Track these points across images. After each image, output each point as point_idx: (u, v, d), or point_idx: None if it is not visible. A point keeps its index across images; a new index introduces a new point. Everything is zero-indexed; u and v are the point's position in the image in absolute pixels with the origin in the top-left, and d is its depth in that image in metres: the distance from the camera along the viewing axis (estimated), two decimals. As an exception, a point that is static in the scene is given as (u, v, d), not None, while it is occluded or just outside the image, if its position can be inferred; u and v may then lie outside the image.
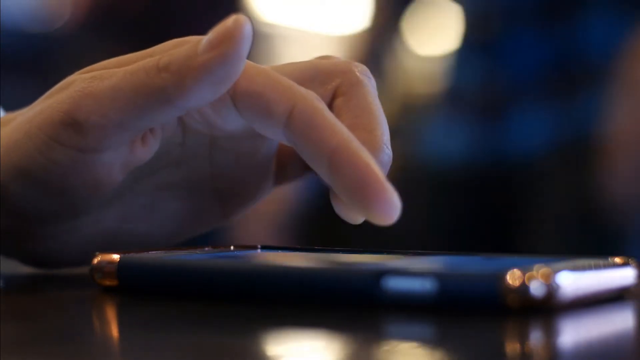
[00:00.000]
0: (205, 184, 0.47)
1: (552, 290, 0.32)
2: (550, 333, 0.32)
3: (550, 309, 0.33)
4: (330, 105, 0.42)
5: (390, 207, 0.36)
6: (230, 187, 0.47)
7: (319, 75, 0.43)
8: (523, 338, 0.31)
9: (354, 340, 0.31)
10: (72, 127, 0.41)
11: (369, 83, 0.43)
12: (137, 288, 0.39)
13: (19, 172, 0.42)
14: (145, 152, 0.42)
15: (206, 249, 0.43)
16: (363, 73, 0.43)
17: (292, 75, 0.42)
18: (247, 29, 0.39)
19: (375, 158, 0.39)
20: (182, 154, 0.45)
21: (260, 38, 2.23)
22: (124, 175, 0.43)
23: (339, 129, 0.38)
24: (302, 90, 0.40)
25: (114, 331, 0.34)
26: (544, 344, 0.30)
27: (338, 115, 0.41)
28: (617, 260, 0.37)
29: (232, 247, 0.45)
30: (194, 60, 0.39)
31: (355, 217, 0.40)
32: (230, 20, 0.39)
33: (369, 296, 0.34)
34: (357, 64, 0.43)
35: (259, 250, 0.44)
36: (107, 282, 0.40)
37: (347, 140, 0.38)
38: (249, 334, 0.31)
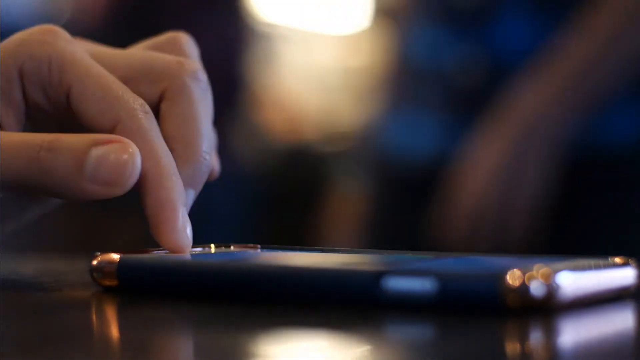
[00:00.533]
0: None
1: (552, 290, 0.32)
2: (550, 333, 0.32)
3: (550, 309, 0.33)
4: (156, 107, 0.44)
5: (177, 251, 0.41)
6: None
7: (150, 74, 0.44)
8: (523, 338, 0.31)
9: (354, 340, 0.31)
10: None
11: (197, 88, 0.44)
12: (137, 288, 0.39)
13: None
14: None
15: (206, 249, 0.43)
16: (192, 76, 0.44)
17: (124, 69, 0.44)
18: (137, 170, 0.40)
19: (190, 169, 0.42)
20: None
21: (260, 38, 2.23)
22: None
23: (155, 152, 0.41)
24: (130, 101, 0.42)
25: (114, 331, 0.34)
26: (544, 344, 0.30)
27: (161, 121, 0.43)
28: (617, 260, 0.37)
29: (232, 247, 0.45)
30: (78, 182, 0.40)
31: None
32: (123, 157, 0.40)
33: (369, 296, 0.34)
34: (189, 63, 0.45)
35: (259, 250, 0.44)
36: (107, 282, 0.40)
37: (158, 166, 0.41)
38: (249, 334, 0.31)
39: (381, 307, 0.34)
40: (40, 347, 0.30)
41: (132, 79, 0.44)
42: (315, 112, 2.58)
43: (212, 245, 0.44)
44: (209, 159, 0.44)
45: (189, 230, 0.41)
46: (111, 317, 0.37)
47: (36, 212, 0.49)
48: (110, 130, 0.41)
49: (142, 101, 0.42)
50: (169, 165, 0.41)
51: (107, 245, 0.43)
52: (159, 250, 0.42)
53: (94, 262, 0.40)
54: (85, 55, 0.43)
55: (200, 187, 0.44)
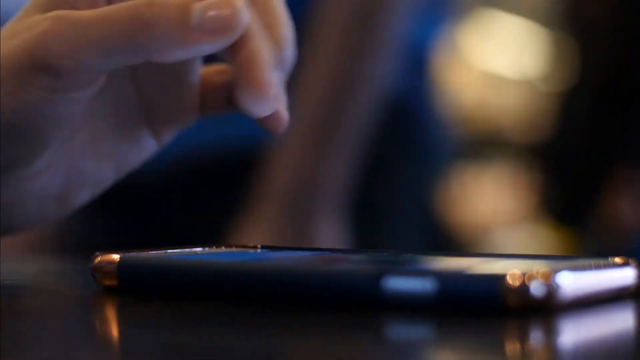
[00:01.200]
0: (133, 107, 0.47)
1: (552, 290, 0.32)
2: (550, 333, 0.32)
3: (550, 309, 0.33)
4: None
5: (259, 101, 0.40)
6: (156, 111, 0.48)
7: None
8: (523, 338, 0.31)
9: (354, 340, 0.31)
10: (43, 70, 0.40)
11: None
12: (137, 288, 0.39)
13: None
14: (97, 84, 0.42)
15: (206, 249, 0.43)
16: None
17: None
18: (245, 19, 0.40)
19: (276, 54, 0.42)
20: (108, 81, 0.44)
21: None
22: (84, 109, 0.43)
23: (254, 28, 0.40)
24: None
25: (114, 331, 0.34)
26: (544, 344, 0.30)
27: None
28: (617, 260, 0.37)
29: (232, 247, 0.45)
30: (185, 31, 0.39)
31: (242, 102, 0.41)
32: (230, 5, 0.39)
33: (369, 296, 0.34)
34: None
35: (259, 250, 0.44)
36: (107, 282, 0.40)
37: (251, 29, 0.40)
38: (249, 334, 0.31)
39: (381, 307, 0.34)
40: (40, 347, 0.30)
41: None
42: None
43: (212, 246, 0.44)
44: (292, 49, 0.43)
45: (277, 89, 0.41)
46: (111, 317, 0.37)
47: (111, 175, 0.48)
48: None
49: None
50: (261, 31, 0.41)
51: (107, 245, 0.43)
52: (159, 250, 0.42)
53: (94, 262, 0.40)
54: None
55: (287, 73, 0.43)
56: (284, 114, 0.42)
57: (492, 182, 2.67)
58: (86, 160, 0.47)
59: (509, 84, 2.96)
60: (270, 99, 0.40)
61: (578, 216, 2.03)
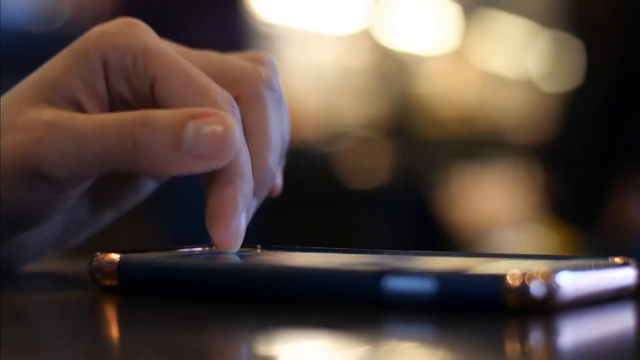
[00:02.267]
0: None
1: (552, 290, 0.32)
2: (550, 333, 0.32)
3: (550, 309, 0.33)
4: None
5: (223, 245, 0.41)
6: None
7: (225, 77, 0.44)
8: (523, 338, 0.31)
9: (354, 340, 0.31)
10: (38, 177, 0.41)
11: (270, 98, 0.44)
12: (137, 288, 0.39)
13: None
14: (93, 178, 0.43)
15: (206, 249, 0.43)
16: (267, 85, 0.44)
17: (200, 68, 0.43)
18: (237, 142, 0.39)
19: (255, 176, 0.42)
20: None
21: (260, 38, 2.23)
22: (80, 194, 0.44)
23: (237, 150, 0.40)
24: (217, 94, 0.41)
25: (114, 331, 0.34)
26: (544, 344, 0.30)
27: None
28: (617, 260, 0.37)
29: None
30: (176, 156, 0.39)
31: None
32: (220, 130, 0.39)
33: (369, 296, 0.34)
34: (265, 72, 0.44)
35: (259, 250, 0.44)
36: (107, 282, 0.40)
37: (234, 163, 0.40)
38: (249, 334, 0.31)
39: (381, 307, 0.34)
40: (40, 347, 0.30)
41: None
42: (315, 112, 2.58)
43: (213, 246, 0.44)
44: (274, 171, 0.43)
45: (240, 234, 0.41)
46: (111, 317, 0.37)
47: (110, 217, 0.49)
48: None
49: (229, 95, 0.42)
50: (245, 166, 0.41)
51: (107, 245, 0.43)
52: (159, 250, 0.42)
53: (94, 262, 0.40)
54: (169, 47, 0.43)
55: (262, 198, 0.43)
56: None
57: (492, 182, 2.67)
58: (86, 208, 0.47)
59: (510, 84, 2.96)
60: (233, 245, 0.41)
61: (583, 216, 2.03)
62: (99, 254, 0.40)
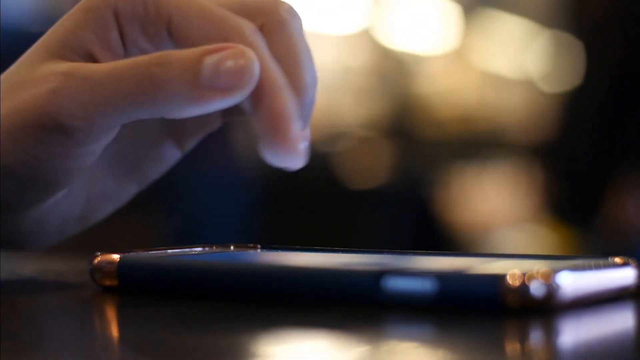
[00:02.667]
0: (156, 125, 0.47)
1: (552, 290, 0.32)
2: (550, 333, 0.32)
3: (550, 309, 0.33)
4: None
5: (289, 157, 0.39)
6: (181, 124, 0.47)
7: (246, 10, 0.42)
8: (523, 338, 0.31)
9: (355, 340, 0.31)
10: (54, 129, 0.40)
11: (294, 22, 0.43)
12: (137, 288, 0.39)
13: (2, 170, 0.41)
14: (111, 136, 0.42)
15: (206, 248, 0.43)
16: (289, 12, 0.43)
17: (221, 5, 0.41)
18: (256, 73, 0.39)
19: (297, 100, 0.40)
20: None
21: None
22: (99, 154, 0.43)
23: (268, 66, 0.39)
24: (235, 20, 0.40)
25: (114, 331, 0.34)
26: (544, 344, 0.30)
27: None
28: (617, 260, 0.37)
29: (232, 247, 0.45)
30: (196, 90, 0.38)
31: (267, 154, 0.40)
32: (240, 62, 0.38)
33: (369, 296, 0.34)
34: (283, 1, 0.43)
35: (259, 250, 0.44)
36: (107, 282, 0.40)
37: (273, 79, 0.39)
38: (249, 334, 0.31)
39: (381, 307, 0.34)
40: (40, 347, 0.30)
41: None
42: (315, 112, 2.58)
43: (212, 246, 0.44)
44: (313, 93, 0.42)
45: (302, 145, 0.39)
46: (111, 317, 0.37)
47: (134, 189, 0.48)
48: None
49: (247, 20, 0.41)
50: (282, 80, 0.40)
51: (107, 245, 0.43)
52: (159, 250, 0.42)
53: (94, 262, 0.40)
54: None
55: (308, 120, 0.42)
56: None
57: (492, 182, 2.67)
58: (107, 181, 0.47)
59: (510, 84, 2.96)
60: (299, 154, 0.39)
61: (582, 216, 2.03)
62: (99, 254, 0.40)
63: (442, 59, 2.93)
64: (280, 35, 0.42)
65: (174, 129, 0.47)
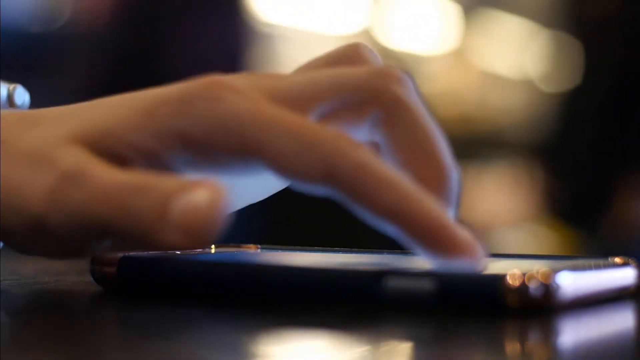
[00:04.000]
0: None
1: (552, 290, 0.32)
2: (550, 333, 0.32)
3: (550, 309, 0.33)
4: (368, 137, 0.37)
5: (470, 253, 0.33)
6: None
7: (347, 98, 0.36)
8: (523, 338, 0.31)
9: (355, 340, 0.31)
10: (41, 228, 0.36)
11: (412, 96, 0.36)
12: (137, 288, 0.39)
13: None
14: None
15: (206, 249, 0.43)
16: (402, 84, 0.37)
17: (310, 101, 0.36)
18: (218, 219, 0.34)
19: (443, 189, 0.35)
20: None
21: (260, 38, 2.23)
22: None
23: (393, 182, 0.34)
24: (334, 138, 0.34)
25: (114, 331, 0.34)
26: (544, 344, 0.30)
27: (389, 148, 0.36)
28: (617, 260, 0.37)
29: (232, 247, 0.45)
30: (162, 231, 0.34)
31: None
32: (203, 205, 0.33)
33: (369, 296, 0.34)
34: (392, 72, 0.37)
35: (259, 250, 0.44)
36: (107, 282, 0.40)
37: (406, 195, 0.34)
38: (249, 334, 0.31)
39: (381, 307, 0.34)
40: (40, 347, 0.30)
41: (324, 111, 0.36)
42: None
43: (212, 246, 0.44)
44: (456, 169, 0.36)
45: (471, 240, 0.34)
46: (111, 317, 0.37)
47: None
48: (325, 177, 0.34)
49: (345, 134, 0.35)
50: (415, 189, 0.34)
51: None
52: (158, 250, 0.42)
53: (94, 262, 0.40)
54: (263, 101, 0.35)
55: (457, 202, 0.36)
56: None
57: (492, 182, 2.67)
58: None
59: (510, 84, 2.96)
60: (476, 255, 0.34)
61: (583, 217, 2.03)
62: (99, 254, 0.40)
63: (442, 59, 2.93)
64: (401, 119, 0.36)
65: None
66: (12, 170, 0.36)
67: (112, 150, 0.36)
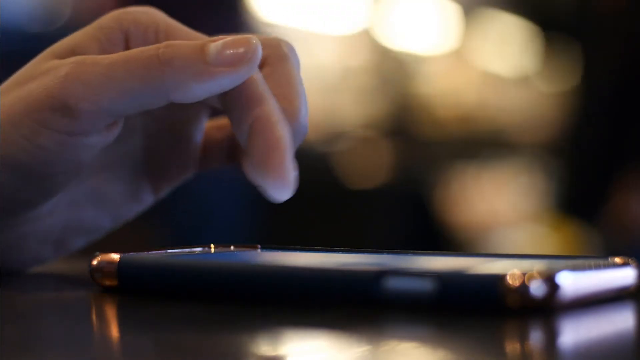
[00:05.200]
0: (138, 162, 0.49)
1: (552, 290, 0.32)
2: (550, 333, 0.32)
3: (550, 309, 0.33)
4: None
5: (281, 187, 0.39)
6: (159, 166, 0.49)
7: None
8: (523, 338, 0.31)
9: (355, 340, 0.31)
10: (61, 111, 0.41)
11: (293, 58, 0.45)
12: (137, 288, 0.39)
13: (3, 160, 0.42)
14: (114, 132, 0.43)
15: (206, 248, 0.43)
16: (289, 49, 0.45)
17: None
18: (259, 50, 0.40)
19: (291, 126, 0.41)
20: (119, 134, 0.45)
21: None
22: (95, 159, 0.44)
23: (267, 98, 0.41)
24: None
25: (114, 331, 0.34)
26: (544, 344, 0.30)
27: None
28: (617, 260, 0.37)
29: (232, 247, 0.45)
30: (203, 65, 0.40)
31: (258, 183, 0.41)
32: (244, 40, 0.40)
33: (369, 296, 0.34)
34: (285, 40, 0.45)
35: (259, 250, 0.44)
36: (107, 282, 0.40)
37: (271, 109, 0.40)
38: (249, 334, 0.31)
39: (381, 307, 0.34)
40: (40, 347, 0.30)
41: None
42: (315, 112, 2.58)
43: (212, 245, 0.44)
44: (306, 122, 0.43)
45: (294, 177, 0.40)
46: (111, 317, 0.37)
47: (108, 224, 0.49)
48: None
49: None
50: (280, 112, 0.41)
51: (107, 245, 0.43)
52: (158, 250, 0.42)
53: (94, 262, 0.40)
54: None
55: (295, 148, 0.42)
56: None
57: (492, 182, 2.67)
58: (87, 209, 0.48)
59: (510, 84, 2.96)
60: (289, 186, 0.39)
61: (585, 215, 2.03)
62: (99, 254, 0.40)
63: (442, 59, 2.93)
64: (282, 66, 0.44)
65: (153, 171, 0.49)
66: (20, 88, 0.42)
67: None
